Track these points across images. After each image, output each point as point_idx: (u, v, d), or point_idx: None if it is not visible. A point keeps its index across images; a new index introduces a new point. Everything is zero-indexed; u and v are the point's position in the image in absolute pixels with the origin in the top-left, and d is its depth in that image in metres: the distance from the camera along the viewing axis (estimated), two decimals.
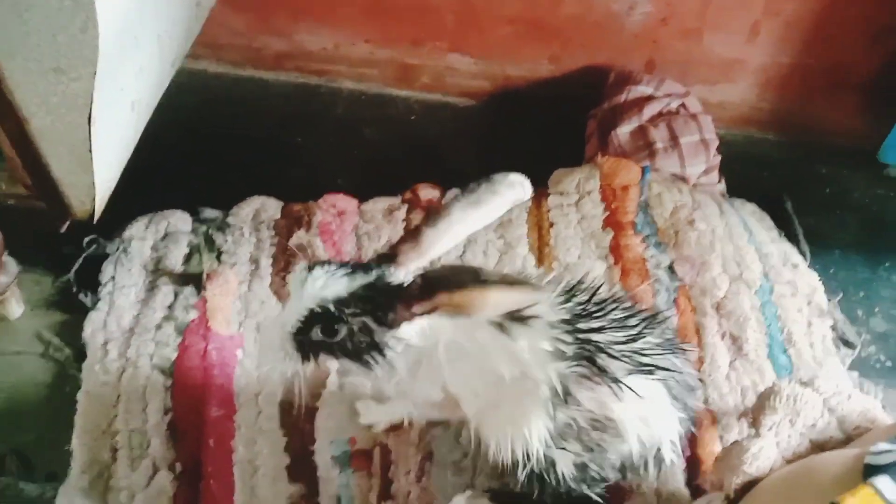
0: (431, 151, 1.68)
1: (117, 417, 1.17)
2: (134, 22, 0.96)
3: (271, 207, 1.47)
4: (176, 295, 1.32)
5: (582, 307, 0.93)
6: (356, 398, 1.17)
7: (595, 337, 0.90)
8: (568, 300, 0.93)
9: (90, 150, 0.94)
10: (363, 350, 0.86)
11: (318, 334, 0.84)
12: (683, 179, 1.52)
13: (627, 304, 0.98)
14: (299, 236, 1.41)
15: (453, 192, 1.50)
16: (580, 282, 0.97)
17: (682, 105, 1.61)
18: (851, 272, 1.49)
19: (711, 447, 1.16)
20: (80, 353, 1.26)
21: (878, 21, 1.55)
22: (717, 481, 1.01)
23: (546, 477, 0.95)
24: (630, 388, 0.89)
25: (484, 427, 0.95)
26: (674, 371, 0.95)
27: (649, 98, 1.59)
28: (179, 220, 1.44)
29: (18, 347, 1.29)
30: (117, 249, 1.39)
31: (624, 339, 0.92)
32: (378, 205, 1.49)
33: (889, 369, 1.35)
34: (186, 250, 1.39)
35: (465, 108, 1.80)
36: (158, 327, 1.28)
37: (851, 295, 1.45)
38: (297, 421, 1.17)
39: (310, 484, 1.12)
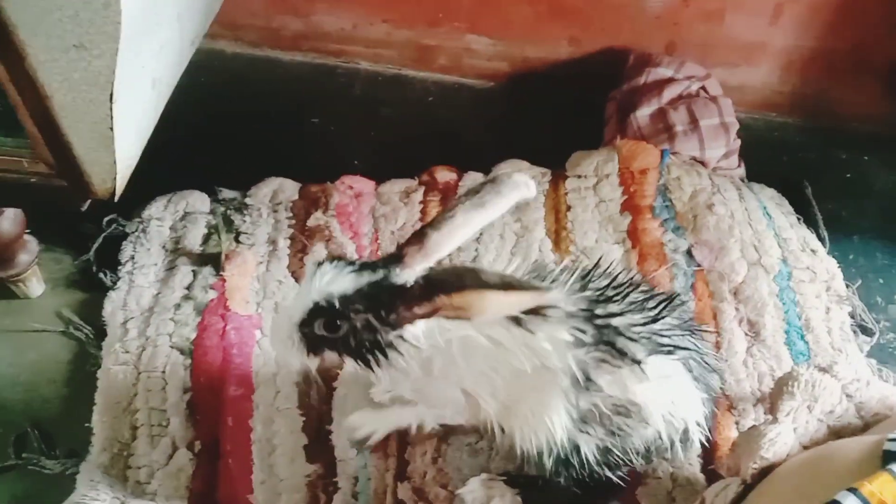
0: (449, 133, 1.67)
1: (137, 396, 1.18)
2: None
3: (289, 188, 1.47)
4: (195, 275, 1.33)
5: (599, 292, 0.93)
6: (371, 382, 1.17)
7: (614, 321, 0.91)
8: (584, 287, 0.93)
9: (111, 129, 0.94)
10: (366, 348, 0.86)
11: (320, 329, 0.85)
12: (703, 163, 1.51)
13: (645, 287, 0.99)
14: (316, 217, 1.41)
15: (470, 174, 1.50)
16: (596, 266, 0.97)
17: (703, 88, 1.59)
18: (871, 259, 1.48)
19: (727, 432, 1.16)
20: (100, 332, 1.27)
21: None
22: (733, 466, 1.01)
23: (570, 462, 0.95)
24: (652, 368, 0.89)
25: (506, 420, 0.96)
26: (694, 350, 0.95)
27: (669, 80, 1.58)
28: (198, 201, 1.45)
29: (39, 325, 1.30)
30: (136, 229, 1.40)
31: (643, 321, 0.92)
32: (395, 187, 1.49)
33: None
34: (205, 231, 1.40)
35: (482, 90, 1.79)
36: (177, 307, 1.28)
37: (870, 281, 1.44)
38: (314, 401, 1.18)
39: (327, 464, 1.13)
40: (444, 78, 1.79)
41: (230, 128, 1.59)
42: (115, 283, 1.33)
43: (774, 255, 1.37)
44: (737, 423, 1.18)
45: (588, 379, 0.89)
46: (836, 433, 1.02)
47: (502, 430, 0.98)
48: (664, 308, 0.95)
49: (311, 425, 1.16)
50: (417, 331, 0.86)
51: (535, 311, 0.87)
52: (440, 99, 1.76)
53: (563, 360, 0.88)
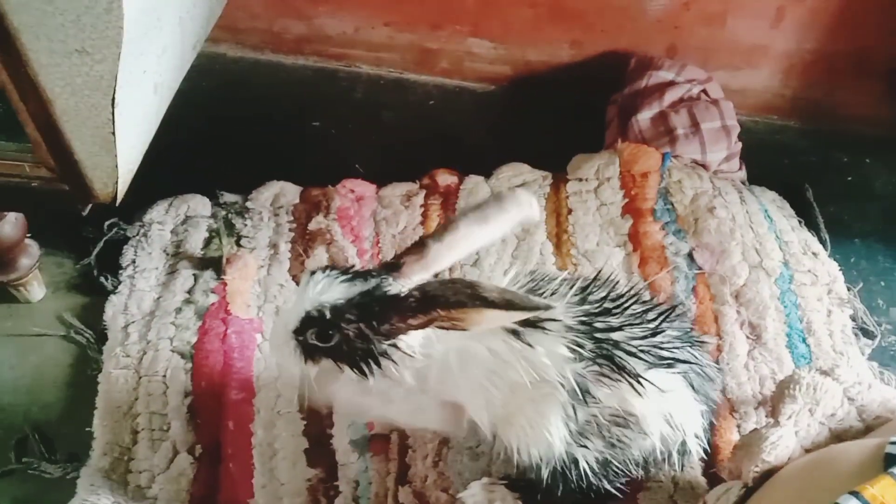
0: (450, 137, 1.67)
1: (138, 400, 1.18)
2: (157, 3, 0.96)
3: (290, 192, 1.48)
4: (196, 279, 1.33)
5: (599, 304, 0.93)
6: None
7: (613, 335, 0.90)
8: (584, 299, 0.93)
9: (113, 133, 0.94)
10: (359, 357, 0.86)
11: (312, 338, 0.85)
12: (704, 166, 1.51)
13: (646, 298, 0.98)
14: (318, 221, 1.41)
15: (472, 178, 1.50)
16: (596, 278, 0.96)
17: (704, 91, 1.59)
18: (872, 261, 1.48)
19: (729, 436, 1.16)
20: (101, 336, 1.27)
21: None
22: (735, 470, 1.00)
23: (568, 474, 0.95)
24: (651, 383, 0.89)
25: (503, 431, 0.96)
26: (694, 363, 0.95)
27: (670, 83, 1.58)
28: (199, 205, 1.45)
29: (40, 329, 1.30)
30: (138, 233, 1.40)
31: (643, 334, 0.92)
32: (396, 190, 1.49)
33: None
34: (206, 234, 1.40)
35: (484, 93, 1.79)
36: (178, 311, 1.28)
37: (872, 284, 1.44)
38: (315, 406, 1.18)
39: (328, 468, 1.13)
40: (446, 81, 1.79)
41: (232, 131, 1.59)
42: (116, 287, 1.33)
43: (776, 258, 1.37)
44: (738, 426, 1.18)
45: (587, 392, 0.89)
46: (838, 436, 1.01)
47: (495, 439, 0.97)
48: (664, 320, 0.94)
49: (312, 429, 1.16)
50: (411, 341, 0.86)
51: (535, 325, 0.87)
52: (442, 102, 1.76)
53: (562, 374, 0.88)
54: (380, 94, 1.76)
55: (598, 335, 0.90)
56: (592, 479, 0.96)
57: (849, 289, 1.37)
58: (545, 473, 0.95)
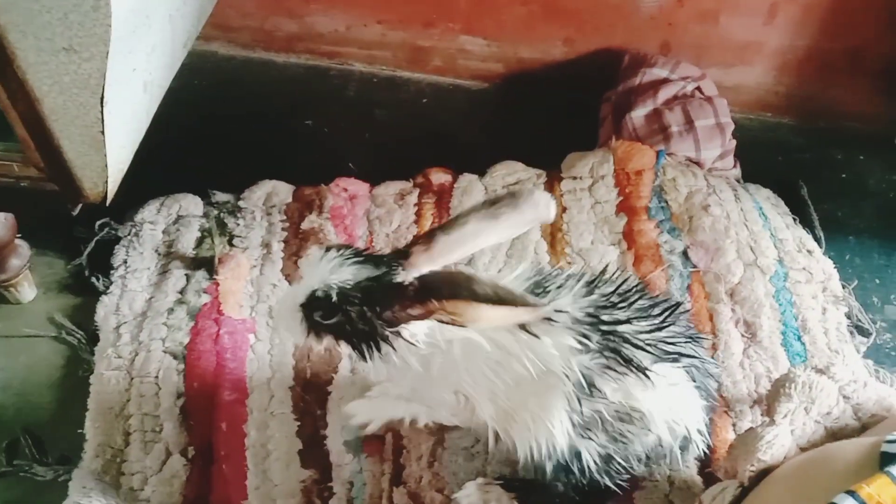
0: (443, 135, 1.67)
1: (130, 401, 1.18)
2: (146, 1, 0.96)
3: (283, 191, 1.47)
4: (188, 279, 1.32)
5: (606, 298, 0.93)
6: (368, 384, 1.16)
7: (620, 328, 0.90)
8: (591, 292, 0.93)
9: (102, 132, 0.93)
10: (361, 338, 0.87)
11: (318, 315, 0.86)
12: (698, 164, 1.51)
13: (651, 294, 0.98)
14: (311, 220, 1.40)
15: (465, 176, 1.49)
16: (603, 272, 0.97)
17: (698, 88, 1.59)
18: (867, 259, 1.48)
19: (724, 435, 1.15)
20: (93, 337, 1.26)
21: None
22: (730, 469, 1.00)
23: (571, 468, 0.95)
24: (658, 376, 0.89)
25: (506, 425, 0.95)
26: (698, 358, 0.95)
27: (664, 81, 1.58)
28: (191, 204, 1.44)
29: (31, 330, 1.29)
30: (129, 233, 1.39)
31: (649, 328, 0.92)
32: (390, 189, 1.48)
33: None
34: (198, 234, 1.39)
35: (477, 91, 1.78)
36: (171, 311, 1.28)
37: (867, 282, 1.44)
38: (309, 406, 1.17)
39: (322, 469, 1.12)
40: (439, 79, 1.79)
41: (223, 130, 1.59)
42: (107, 288, 1.32)
43: (770, 255, 1.37)
44: (734, 425, 1.17)
45: (592, 385, 0.89)
46: (834, 435, 1.01)
47: (497, 438, 0.97)
48: (669, 315, 0.94)
49: (306, 430, 1.15)
50: (415, 330, 0.87)
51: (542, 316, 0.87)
52: (435, 100, 1.76)
53: (568, 365, 0.88)
54: (372, 93, 1.76)
55: (604, 328, 0.90)
56: (595, 475, 0.96)
57: (843, 286, 1.36)
58: (549, 469, 0.95)
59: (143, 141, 1.09)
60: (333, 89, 1.75)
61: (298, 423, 1.16)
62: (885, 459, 0.79)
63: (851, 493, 0.75)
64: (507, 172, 1.50)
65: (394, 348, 0.87)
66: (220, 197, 1.46)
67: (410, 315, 0.84)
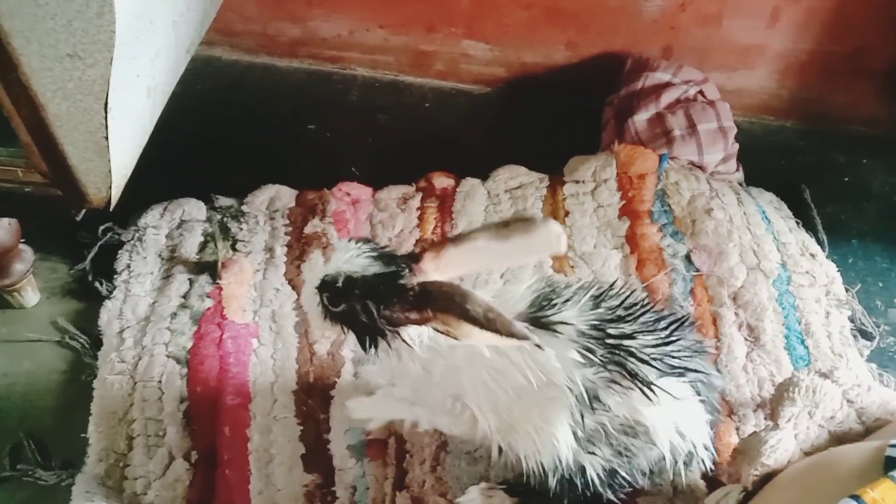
0: (446, 139, 1.67)
1: (133, 406, 1.18)
2: (149, 6, 0.96)
3: (285, 196, 1.47)
4: (191, 283, 1.32)
5: (612, 312, 0.92)
6: (371, 388, 1.16)
7: (626, 342, 0.90)
8: (597, 306, 0.93)
9: (106, 137, 0.94)
10: (362, 330, 0.88)
11: (325, 300, 0.89)
12: (701, 167, 1.51)
13: (658, 308, 0.98)
14: (314, 225, 1.40)
15: (468, 180, 1.50)
16: (611, 287, 0.96)
17: (700, 92, 1.59)
18: (870, 262, 1.48)
19: (728, 439, 1.15)
20: (96, 342, 1.27)
21: None
22: (734, 473, 1.00)
23: (574, 482, 0.95)
24: (664, 391, 0.89)
25: (508, 437, 0.95)
26: (704, 373, 0.95)
27: (667, 85, 1.58)
28: (194, 209, 1.44)
29: (34, 335, 1.29)
30: (132, 238, 1.39)
31: (655, 342, 0.91)
32: (392, 193, 1.48)
33: None
34: (201, 238, 1.39)
35: (479, 96, 1.78)
36: (174, 316, 1.28)
37: (870, 285, 1.43)
38: (312, 410, 1.17)
39: (325, 473, 1.12)
40: (441, 84, 1.79)
41: (227, 135, 1.59)
42: (110, 293, 1.32)
43: (773, 259, 1.36)
44: (737, 429, 1.17)
45: (596, 398, 0.89)
46: (838, 439, 1.01)
47: (500, 450, 0.97)
48: (675, 329, 0.94)
49: (309, 434, 1.15)
50: (415, 333, 0.87)
51: (546, 327, 0.87)
52: (437, 105, 1.76)
53: (571, 378, 0.88)
54: (375, 97, 1.76)
55: (610, 341, 0.89)
56: (599, 489, 0.96)
57: (847, 290, 1.36)
58: (553, 482, 0.95)
59: (146, 146, 1.10)
60: (336, 94, 1.76)
61: (301, 428, 1.16)
62: (890, 464, 0.79)
63: (856, 497, 0.74)
64: (510, 176, 1.50)
65: (391, 347, 0.88)
66: (224, 201, 1.46)
67: (408, 318, 0.85)
